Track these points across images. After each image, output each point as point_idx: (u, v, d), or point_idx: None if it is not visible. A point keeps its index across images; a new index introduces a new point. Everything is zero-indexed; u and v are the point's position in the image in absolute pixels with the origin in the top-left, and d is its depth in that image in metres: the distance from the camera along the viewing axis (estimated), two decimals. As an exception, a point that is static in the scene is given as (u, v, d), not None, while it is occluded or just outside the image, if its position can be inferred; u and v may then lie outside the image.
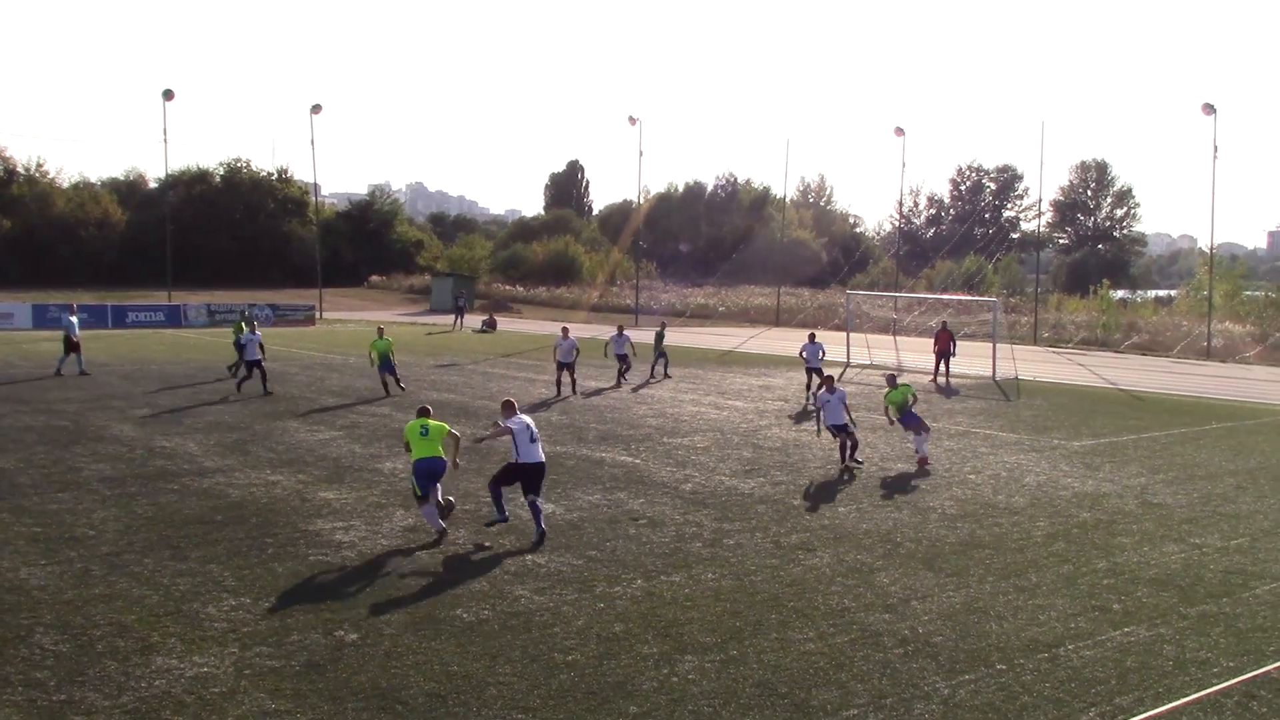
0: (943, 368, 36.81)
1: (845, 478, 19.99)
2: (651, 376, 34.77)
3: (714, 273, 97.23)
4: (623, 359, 33.66)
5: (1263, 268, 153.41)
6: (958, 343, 38.35)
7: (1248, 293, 68.71)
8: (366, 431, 23.78)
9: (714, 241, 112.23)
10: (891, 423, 22.19)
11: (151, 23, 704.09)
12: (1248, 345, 52.58)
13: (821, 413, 21.10)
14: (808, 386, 31.47)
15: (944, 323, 39.52)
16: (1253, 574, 14.33)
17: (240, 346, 31.12)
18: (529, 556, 14.26)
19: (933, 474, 20.43)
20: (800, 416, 27.67)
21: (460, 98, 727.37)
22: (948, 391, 34.37)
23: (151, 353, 41.11)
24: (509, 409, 15.62)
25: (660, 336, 36.42)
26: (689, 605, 12.50)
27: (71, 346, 33.46)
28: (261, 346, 30.28)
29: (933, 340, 38.12)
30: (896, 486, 19.39)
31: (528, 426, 15.23)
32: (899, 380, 22.31)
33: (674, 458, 21.61)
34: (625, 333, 34.66)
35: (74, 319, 34.41)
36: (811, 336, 32.97)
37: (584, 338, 33.70)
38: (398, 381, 30.42)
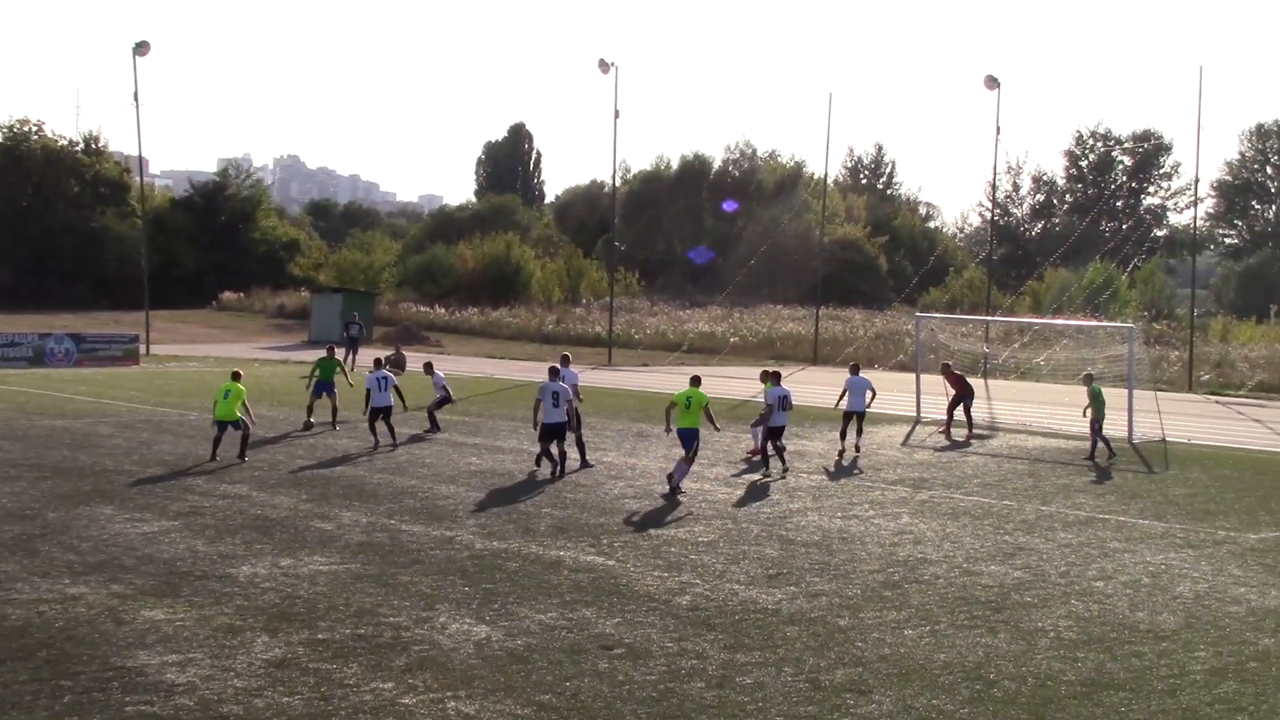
0: (959, 415, 39.08)
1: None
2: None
3: (723, 287, 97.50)
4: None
5: None
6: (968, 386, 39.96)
7: None
8: (214, 519, 23.69)
9: (722, 241, 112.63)
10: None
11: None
12: None
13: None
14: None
15: (947, 365, 41.24)
16: None
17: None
18: (452, 704, 14.18)
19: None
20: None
21: (352, 39, 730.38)
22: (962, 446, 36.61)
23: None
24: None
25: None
26: (686, 775, 12.44)
27: None
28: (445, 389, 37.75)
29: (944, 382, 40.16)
30: (987, 598, 19.37)
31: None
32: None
33: (664, 557, 21.59)
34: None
35: None
36: (565, 360, 36.87)
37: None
38: (240, 449, 30.65)
